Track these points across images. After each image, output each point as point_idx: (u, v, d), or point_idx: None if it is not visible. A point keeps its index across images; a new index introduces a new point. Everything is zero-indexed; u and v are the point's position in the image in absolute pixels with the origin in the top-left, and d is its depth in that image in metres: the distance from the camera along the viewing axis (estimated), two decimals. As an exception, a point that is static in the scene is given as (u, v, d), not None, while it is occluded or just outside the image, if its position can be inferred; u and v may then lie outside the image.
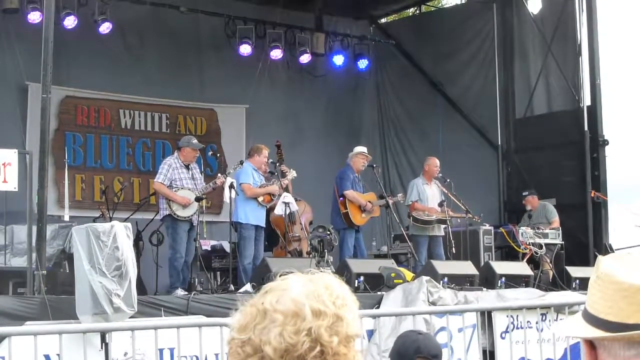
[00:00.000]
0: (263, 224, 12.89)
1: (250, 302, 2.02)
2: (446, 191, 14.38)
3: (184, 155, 12.39)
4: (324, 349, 1.94)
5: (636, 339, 1.80)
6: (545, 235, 14.88)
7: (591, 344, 1.89)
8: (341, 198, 13.70)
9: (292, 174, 13.19)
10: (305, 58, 17.47)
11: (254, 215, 12.71)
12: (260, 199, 12.81)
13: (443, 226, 14.27)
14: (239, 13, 16.87)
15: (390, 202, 14.05)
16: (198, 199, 12.16)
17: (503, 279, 12.81)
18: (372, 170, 14.21)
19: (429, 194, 14.40)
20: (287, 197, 13.06)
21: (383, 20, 20.27)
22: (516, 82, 18.12)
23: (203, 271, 12.77)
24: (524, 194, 16.15)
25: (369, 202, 13.81)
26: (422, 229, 14.22)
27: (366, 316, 9.39)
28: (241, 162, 12.82)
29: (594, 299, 1.86)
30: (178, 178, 12.22)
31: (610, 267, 1.86)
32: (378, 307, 11.02)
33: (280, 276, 2.06)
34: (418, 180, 14.65)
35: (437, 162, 14.58)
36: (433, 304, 11.03)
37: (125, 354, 8.19)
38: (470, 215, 14.46)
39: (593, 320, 1.86)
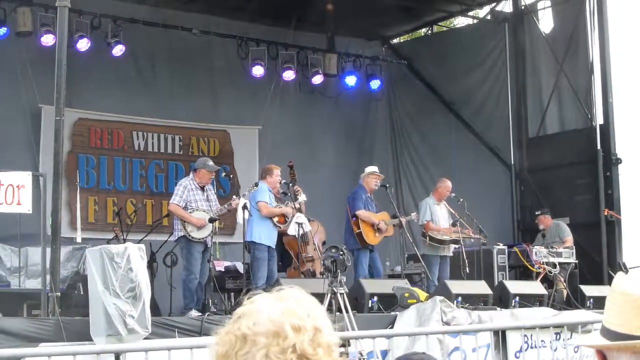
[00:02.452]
0: (274, 245, 12.88)
1: (224, 330, 2.01)
2: (453, 211, 14.35)
3: (200, 177, 12.37)
4: None
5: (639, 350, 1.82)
6: (559, 254, 14.83)
7: (603, 356, 1.93)
8: (354, 218, 13.67)
9: (302, 197, 13.15)
10: (317, 79, 17.49)
11: (267, 236, 12.68)
12: (275, 219, 12.80)
13: (453, 246, 14.25)
14: (251, 35, 16.94)
15: (404, 221, 14.00)
16: (212, 220, 12.15)
17: (517, 298, 12.78)
18: (385, 190, 14.18)
19: (439, 214, 14.37)
20: (300, 217, 13.05)
21: (395, 41, 20.29)
22: (529, 101, 18.12)
23: (217, 292, 12.76)
24: (536, 213, 16.13)
25: (382, 221, 13.79)
26: (435, 249, 14.17)
27: (380, 336, 9.37)
28: (256, 184, 12.79)
29: (609, 313, 1.92)
30: (193, 200, 12.20)
31: (621, 280, 1.91)
32: (392, 327, 11.00)
33: (247, 299, 2.05)
34: (429, 199, 14.60)
35: (450, 185, 14.50)
36: (447, 323, 11.01)
37: (139, 375, 8.19)
38: (483, 237, 14.42)
39: (604, 332, 1.91)
